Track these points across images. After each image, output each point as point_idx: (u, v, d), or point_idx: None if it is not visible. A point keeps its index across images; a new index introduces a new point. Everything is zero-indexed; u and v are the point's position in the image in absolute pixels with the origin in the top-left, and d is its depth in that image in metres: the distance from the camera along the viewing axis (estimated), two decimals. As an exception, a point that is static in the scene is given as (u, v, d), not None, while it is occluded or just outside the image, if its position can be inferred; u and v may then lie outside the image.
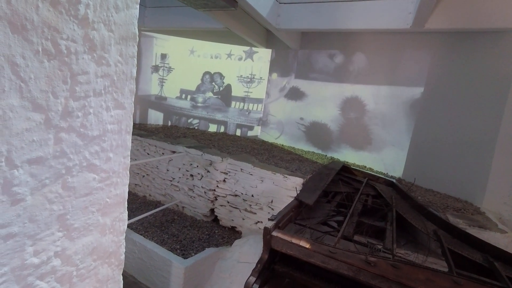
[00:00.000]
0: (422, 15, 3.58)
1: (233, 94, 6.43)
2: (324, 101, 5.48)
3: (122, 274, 1.26)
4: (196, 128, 6.68)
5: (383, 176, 3.89)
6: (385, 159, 4.92)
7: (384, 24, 4.07)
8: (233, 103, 6.44)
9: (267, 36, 5.87)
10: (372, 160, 5.05)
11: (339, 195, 3.15)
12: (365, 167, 4.99)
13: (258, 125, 6.27)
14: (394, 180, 3.72)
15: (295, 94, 5.78)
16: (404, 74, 4.69)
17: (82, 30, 0.85)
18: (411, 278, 1.63)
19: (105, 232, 1.11)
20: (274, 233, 2.01)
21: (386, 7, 4.00)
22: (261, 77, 6.15)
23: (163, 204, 4.72)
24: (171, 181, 4.79)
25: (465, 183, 3.97)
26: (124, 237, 1.22)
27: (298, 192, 2.96)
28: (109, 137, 1.03)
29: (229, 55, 6.35)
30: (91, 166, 0.99)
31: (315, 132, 5.62)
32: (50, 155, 0.84)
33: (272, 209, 3.88)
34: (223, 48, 6.34)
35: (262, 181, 3.94)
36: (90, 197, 1.01)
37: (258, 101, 6.22)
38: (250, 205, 4.06)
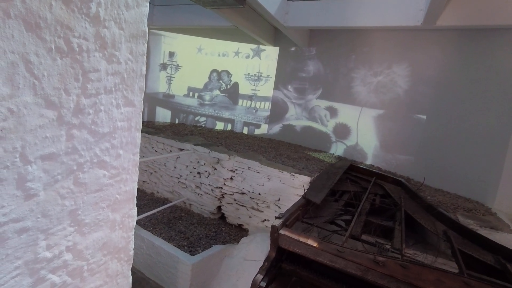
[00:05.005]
0: (433, 12, 3.51)
1: (240, 92, 6.43)
2: (330, 101, 5.45)
3: (131, 270, 1.28)
4: (203, 126, 6.70)
5: (391, 176, 3.84)
6: (394, 158, 4.86)
7: (395, 21, 4.00)
8: (240, 101, 6.45)
9: (274, 34, 5.85)
10: (379, 160, 5.00)
11: (346, 194, 3.13)
12: (373, 166, 4.94)
13: (265, 123, 6.26)
14: (402, 180, 3.67)
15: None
16: (414, 72, 4.61)
17: (94, 28, 0.86)
18: (420, 279, 1.61)
19: (114, 228, 1.12)
20: (282, 231, 2.01)
21: (396, 4, 3.93)
22: (268, 75, 6.13)
23: (171, 201, 4.76)
24: (178, 178, 4.83)
25: (476, 183, 3.90)
26: (133, 233, 1.24)
27: (306, 190, 2.95)
28: (119, 134, 1.05)
29: (237, 53, 6.35)
30: (102, 163, 1.00)
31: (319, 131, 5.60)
32: (62, 151, 0.86)
33: (279, 207, 3.88)
34: (230, 46, 6.33)
35: (269, 179, 3.94)
36: (100, 193, 1.02)
37: (265, 99, 6.20)
38: (257, 203, 4.06)
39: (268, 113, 6.21)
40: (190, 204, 4.76)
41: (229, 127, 6.58)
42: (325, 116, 5.55)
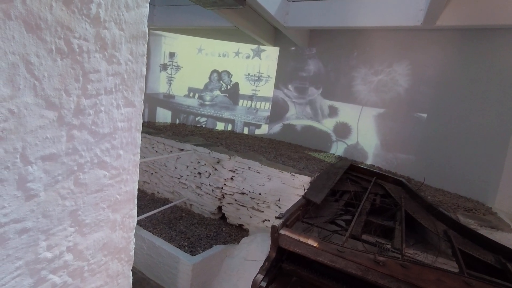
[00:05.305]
0: (433, 12, 3.51)
1: (240, 92, 6.43)
2: (332, 101, 5.45)
3: (131, 270, 1.28)
4: (203, 126, 6.71)
5: (392, 175, 3.84)
6: (394, 157, 4.86)
7: (395, 21, 4.00)
8: (240, 101, 6.45)
9: (275, 34, 5.85)
10: (380, 159, 4.99)
11: (347, 194, 3.13)
12: (373, 165, 4.94)
13: (266, 123, 6.26)
14: (403, 179, 3.67)
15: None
16: (415, 71, 4.61)
17: (94, 29, 0.86)
18: (421, 278, 1.61)
19: (115, 228, 1.13)
20: (282, 231, 2.01)
21: (396, 4, 3.93)
22: (268, 75, 6.13)
23: (171, 202, 4.77)
24: (179, 178, 4.83)
25: (476, 182, 3.89)
26: (133, 233, 1.24)
27: (306, 190, 2.95)
28: (120, 134, 1.05)
29: (237, 53, 6.35)
30: (102, 163, 1.01)
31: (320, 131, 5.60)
32: (62, 152, 0.86)
33: (280, 207, 3.88)
34: (231, 46, 6.34)
35: (269, 179, 3.94)
36: (101, 193, 1.03)
37: (265, 99, 6.21)
38: (258, 203, 4.07)
39: (268, 113, 6.21)
40: (191, 205, 4.76)
41: (229, 127, 6.59)
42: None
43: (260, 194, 4.04)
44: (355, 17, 4.22)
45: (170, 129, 5.94)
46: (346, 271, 1.76)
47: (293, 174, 3.76)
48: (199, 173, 4.58)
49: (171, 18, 5.87)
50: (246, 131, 6.45)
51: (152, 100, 6.74)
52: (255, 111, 6.32)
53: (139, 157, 1.17)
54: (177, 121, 6.88)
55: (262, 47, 6.09)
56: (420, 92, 4.57)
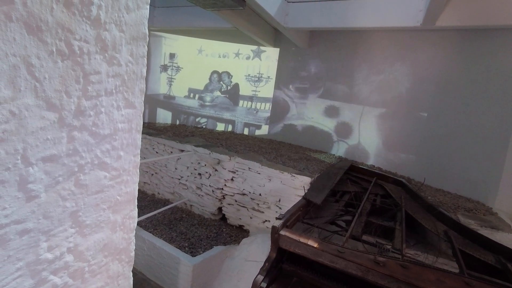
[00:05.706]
0: (432, 13, 3.52)
1: (241, 93, 6.44)
2: (331, 100, 5.45)
3: (132, 271, 1.28)
4: (204, 127, 6.71)
5: (392, 176, 3.84)
6: (395, 156, 4.86)
7: (394, 22, 4.01)
8: (240, 102, 6.46)
9: (275, 35, 5.86)
10: (381, 159, 4.99)
11: (347, 194, 3.13)
12: (374, 166, 4.94)
13: (266, 124, 6.26)
14: (403, 180, 3.67)
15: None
16: (415, 72, 4.62)
17: (94, 30, 0.86)
18: (421, 279, 1.61)
19: (115, 229, 1.13)
20: (282, 232, 2.01)
21: (396, 5, 3.94)
22: (268, 76, 6.14)
23: (172, 202, 4.77)
24: (179, 179, 4.83)
25: (476, 182, 3.89)
26: (134, 234, 1.24)
27: (306, 191, 2.96)
28: (120, 135, 1.05)
29: (237, 54, 6.36)
30: (102, 164, 1.01)
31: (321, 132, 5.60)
32: (63, 153, 0.86)
33: (280, 208, 3.88)
34: (231, 47, 6.35)
35: (269, 180, 3.94)
36: (101, 194, 1.03)
37: (266, 100, 6.21)
38: (258, 204, 4.07)
39: (268, 114, 6.22)
40: (191, 205, 4.76)
41: (229, 128, 6.59)
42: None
43: (260, 194, 4.04)
44: (355, 18, 4.23)
45: (170, 130, 5.94)
46: (346, 271, 1.76)
47: (294, 174, 3.76)
48: (200, 174, 4.58)
49: (171, 19, 5.89)
50: (246, 131, 6.45)
51: (152, 101, 6.75)
52: (255, 111, 6.32)
53: (139, 158, 1.17)
54: (178, 122, 6.88)
55: (262, 48, 6.10)
56: (420, 92, 4.58)
